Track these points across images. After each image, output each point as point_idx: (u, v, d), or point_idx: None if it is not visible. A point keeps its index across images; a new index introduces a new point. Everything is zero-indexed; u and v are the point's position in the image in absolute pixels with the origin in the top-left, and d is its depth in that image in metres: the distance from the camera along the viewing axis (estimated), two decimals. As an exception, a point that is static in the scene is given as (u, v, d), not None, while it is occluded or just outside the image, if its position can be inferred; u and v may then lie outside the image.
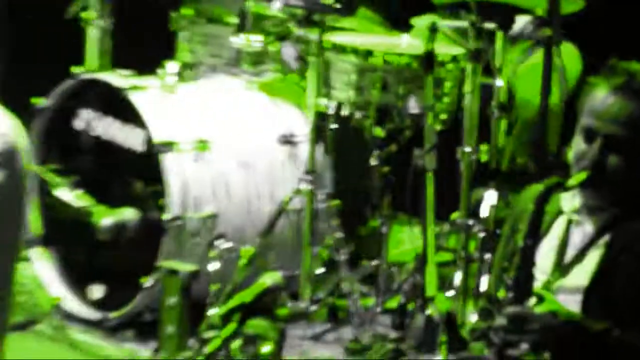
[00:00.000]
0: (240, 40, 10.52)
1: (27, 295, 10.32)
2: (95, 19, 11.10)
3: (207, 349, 8.97)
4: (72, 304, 10.36)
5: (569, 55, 10.99)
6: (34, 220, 10.37)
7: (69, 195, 10.53)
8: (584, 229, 8.12)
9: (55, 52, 10.83)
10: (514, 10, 10.83)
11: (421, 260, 10.03)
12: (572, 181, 8.19)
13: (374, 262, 10.44)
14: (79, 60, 10.98)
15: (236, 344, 9.70)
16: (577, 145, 8.12)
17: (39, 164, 9.98)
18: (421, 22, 10.54)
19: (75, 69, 10.63)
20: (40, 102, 10.33)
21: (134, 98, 10.28)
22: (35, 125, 10.34)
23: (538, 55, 10.45)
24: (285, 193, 10.29)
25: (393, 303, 10.26)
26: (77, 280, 10.47)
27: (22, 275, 10.87)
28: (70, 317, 10.34)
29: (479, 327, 8.55)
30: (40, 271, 10.52)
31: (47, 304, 10.34)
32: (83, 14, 10.38)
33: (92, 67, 10.39)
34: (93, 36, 11.17)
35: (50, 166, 10.56)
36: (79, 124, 10.48)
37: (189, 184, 10.20)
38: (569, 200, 8.28)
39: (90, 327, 10.27)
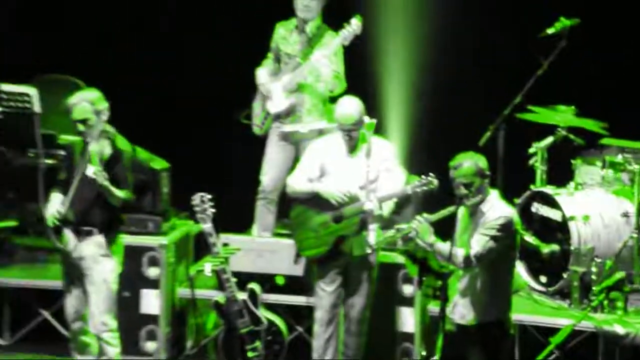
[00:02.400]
0: (601, 172, 9.95)
1: (521, 281, 9.96)
2: (539, 165, 10.16)
3: (593, 304, 9.34)
4: (533, 283, 9.86)
5: None
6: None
7: (530, 238, 9.87)
8: None
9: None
10: None
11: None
12: None
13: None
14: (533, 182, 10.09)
15: (605, 303, 9.62)
16: None
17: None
18: None
19: (532, 187, 10.00)
20: (516, 201, 9.87)
21: (557, 198, 9.83)
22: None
23: None
24: (625, 239, 9.79)
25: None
26: (535, 272, 10.00)
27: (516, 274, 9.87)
28: (532, 289, 9.96)
29: None
30: (520, 271, 10.00)
31: (523, 284, 9.85)
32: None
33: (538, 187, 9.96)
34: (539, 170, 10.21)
35: (524, 230, 9.89)
36: (533, 209, 10.00)
37: (581, 234, 9.71)
38: None
39: (541, 294, 9.91)
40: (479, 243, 7.63)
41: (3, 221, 10.04)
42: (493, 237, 7.62)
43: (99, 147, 8.67)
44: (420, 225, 7.75)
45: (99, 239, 8.79)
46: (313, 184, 9.04)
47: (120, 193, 8.61)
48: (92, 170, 8.62)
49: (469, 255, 7.62)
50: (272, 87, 10.01)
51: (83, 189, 8.62)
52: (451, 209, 7.75)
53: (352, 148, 8.97)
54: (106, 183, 8.58)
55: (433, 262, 8.50)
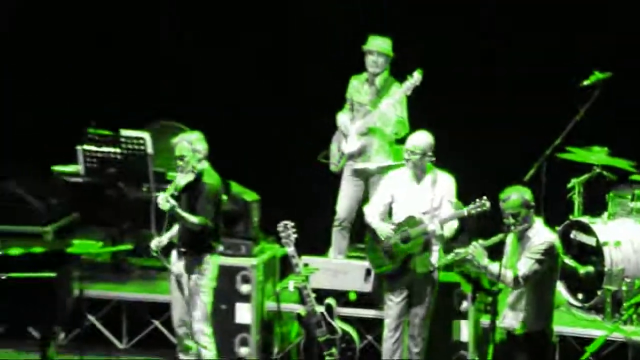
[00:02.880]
0: (631, 204, 9.72)
1: (562, 298, 9.63)
2: (577, 198, 9.85)
3: (623, 317, 9.23)
4: (572, 300, 9.62)
5: None
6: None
7: (569, 261, 9.57)
8: None
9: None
10: None
11: None
12: None
13: None
14: (572, 212, 9.87)
15: (634, 317, 9.37)
16: None
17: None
18: None
19: (571, 216, 9.71)
20: (557, 229, 9.50)
21: (592, 226, 9.60)
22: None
23: None
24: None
25: None
26: (573, 290, 9.68)
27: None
28: (571, 305, 9.66)
29: None
30: (560, 289, 9.62)
31: (563, 300, 9.60)
32: None
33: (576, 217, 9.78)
34: (577, 202, 9.95)
35: (564, 253, 9.20)
36: (571, 236, 9.69)
37: (613, 257, 9.48)
38: None
39: (578, 309, 9.57)
40: (525, 265, 7.76)
41: (121, 245, 10.15)
42: (538, 260, 7.74)
43: (185, 179, 8.75)
44: (476, 250, 7.85)
45: (191, 258, 8.83)
46: (373, 219, 9.08)
47: (193, 219, 8.66)
48: (160, 197, 8.74)
49: (517, 276, 7.75)
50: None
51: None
52: (501, 236, 7.88)
53: (419, 178, 9.02)
54: (166, 208, 8.64)
55: (484, 282, 8.43)
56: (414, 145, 8.95)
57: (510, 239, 7.89)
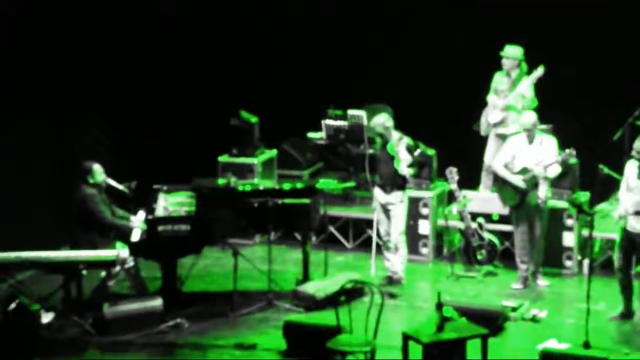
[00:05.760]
0: None
1: None
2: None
3: None
4: None
5: None
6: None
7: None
8: None
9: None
10: None
11: None
12: None
13: None
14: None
15: None
16: None
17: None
18: None
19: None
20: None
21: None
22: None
23: None
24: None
25: None
26: None
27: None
28: None
29: None
30: None
31: None
32: None
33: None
34: None
35: None
36: None
37: None
38: None
39: None
40: None
41: (348, 182, 10.89)
42: None
43: (394, 144, 9.59)
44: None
45: (391, 192, 9.72)
46: (504, 172, 9.44)
47: (401, 167, 9.56)
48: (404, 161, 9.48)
49: None
50: (494, 105, 10.58)
51: (384, 165, 9.76)
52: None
53: (531, 140, 9.52)
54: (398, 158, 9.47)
55: (585, 207, 8.99)
56: (526, 122, 9.53)
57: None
